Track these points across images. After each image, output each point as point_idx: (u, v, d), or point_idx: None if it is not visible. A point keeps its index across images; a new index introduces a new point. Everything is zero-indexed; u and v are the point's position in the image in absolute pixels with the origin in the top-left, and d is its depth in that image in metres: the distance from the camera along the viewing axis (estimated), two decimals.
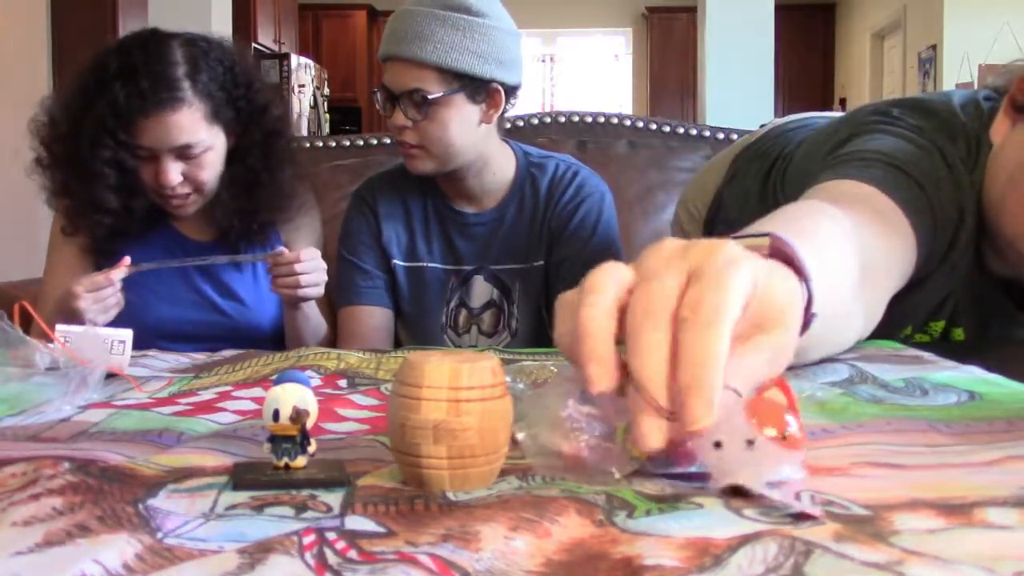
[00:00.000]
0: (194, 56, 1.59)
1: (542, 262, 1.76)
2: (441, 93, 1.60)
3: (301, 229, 1.82)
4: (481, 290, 1.77)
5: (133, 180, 1.60)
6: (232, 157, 1.67)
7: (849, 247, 0.90)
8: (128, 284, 1.67)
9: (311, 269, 1.53)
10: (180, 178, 1.58)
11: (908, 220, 1.09)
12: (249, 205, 1.68)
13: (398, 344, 1.77)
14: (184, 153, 1.57)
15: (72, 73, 1.67)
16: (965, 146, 1.19)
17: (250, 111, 1.67)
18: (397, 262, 1.77)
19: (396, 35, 1.62)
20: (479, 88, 1.64)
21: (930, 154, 1.16)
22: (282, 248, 1.57)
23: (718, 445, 0.69)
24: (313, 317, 1.67)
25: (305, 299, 1.57)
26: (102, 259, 1.68)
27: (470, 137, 1.66)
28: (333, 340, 1.73)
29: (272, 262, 1.52)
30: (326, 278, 1.58)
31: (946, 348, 1.34)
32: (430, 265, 1.77)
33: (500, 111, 1.69)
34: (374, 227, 1.78)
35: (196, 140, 1.56)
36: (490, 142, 1.72)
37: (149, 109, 1.52)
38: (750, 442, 0.68)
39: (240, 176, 1.67)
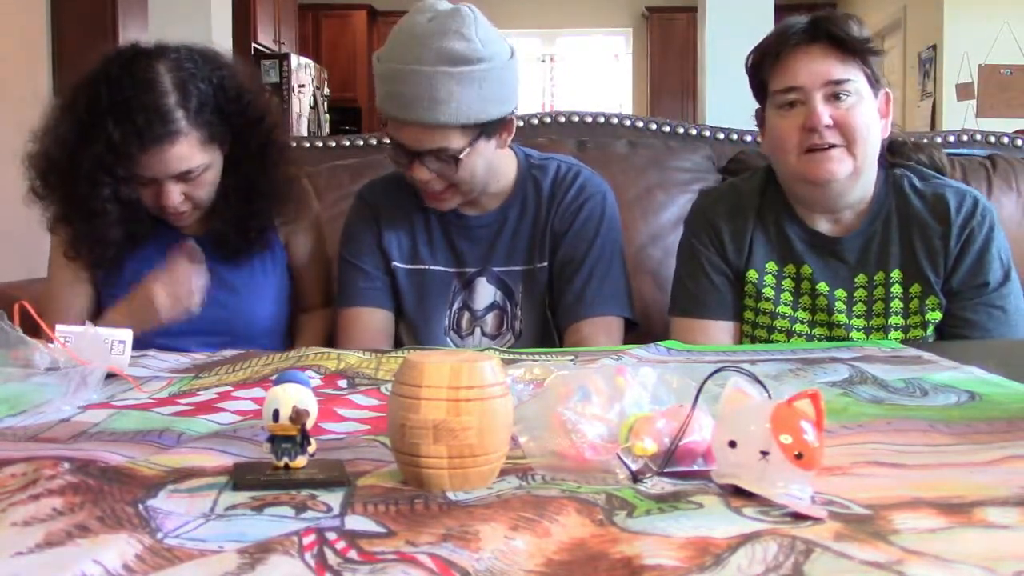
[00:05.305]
0: (183, 81, 1.58)
1: (546, 263, 1.75)
2: (467, 146, 1.59)
3: (300, 230, 1.81)
4: (484, 292, 1.76)
5: (134, 206, 1.61)
6: (227, 166, 1.66)
7: None
8: (124, 283, 1.66)
9: None
10: (181, 198, 1.60)
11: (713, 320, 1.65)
12: (246, 212, 1.68)
13: (399, 347, 1.77)
14: (184, 177, 1.58)
15: (68, 85, 1.66)
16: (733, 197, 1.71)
17: (243, 123, 1.67)
18: (397, 264, 1.76)
19: (407, 99, 1.56)
20: (496, 126, 1.64)
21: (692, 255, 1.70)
22: None
23: (732, 444, 0.69)
24: None
25: None
26: (104, 263, 1.69)
27: (489, 165, 1.67)
28: (332, 344, 1.73)
29: None
30: None
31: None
32: (432, 268, 1.76)
33: (513, 131, 1.69)
34: (375, 229, 1.77)
35: (195, 166, 1.58)
36: (497, 153, 1.72)
37: (146, 145, 1.53)
38: (764, 453, 0.67)
39: (236, 185, 1.67)
